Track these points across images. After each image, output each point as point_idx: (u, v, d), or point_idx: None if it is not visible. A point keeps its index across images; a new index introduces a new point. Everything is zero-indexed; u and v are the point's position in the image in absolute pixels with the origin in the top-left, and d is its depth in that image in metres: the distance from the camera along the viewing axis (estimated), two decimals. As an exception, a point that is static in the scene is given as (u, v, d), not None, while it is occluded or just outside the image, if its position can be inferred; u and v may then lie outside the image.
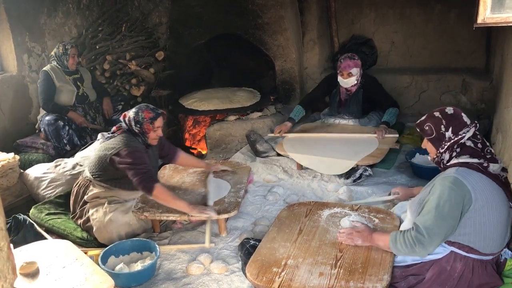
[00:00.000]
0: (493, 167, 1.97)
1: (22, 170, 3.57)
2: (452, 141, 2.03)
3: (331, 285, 1.97)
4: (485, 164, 1.97)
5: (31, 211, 3.08)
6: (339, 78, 3.98)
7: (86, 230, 2.88)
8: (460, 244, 1.97)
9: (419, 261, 2.05)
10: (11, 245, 1.17)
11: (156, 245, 2.54)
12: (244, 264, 2.31)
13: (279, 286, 1.99)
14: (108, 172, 2.84)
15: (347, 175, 3.40)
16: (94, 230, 2.81)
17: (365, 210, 2.57)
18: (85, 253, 2.42)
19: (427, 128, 2.10)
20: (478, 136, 2.04)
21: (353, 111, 4.07)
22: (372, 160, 3.43)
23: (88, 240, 2.83)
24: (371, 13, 5.11)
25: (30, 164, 3.77)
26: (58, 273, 2.08)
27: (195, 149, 4.92)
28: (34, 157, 3.96)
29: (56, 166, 3.58)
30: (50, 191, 3.38)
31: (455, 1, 4.69)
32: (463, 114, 2.07)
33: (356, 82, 3.97)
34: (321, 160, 3.52)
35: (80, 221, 2.92)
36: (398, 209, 2.53)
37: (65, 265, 2.14)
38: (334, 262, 2.12)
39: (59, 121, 4.02)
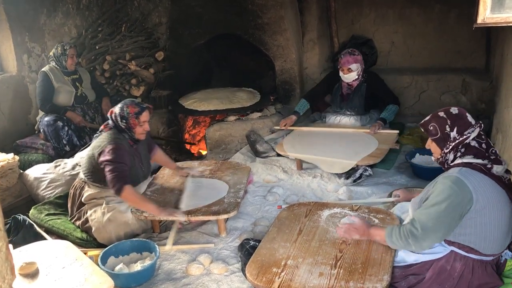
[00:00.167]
0: (497, 169, 1.96)
1: (21, 171, 3.57)
2: (457, 141, 2.02)
3: (331, 285, 1.96)
4: (489, 166, 1.96)
5: (30, 211, 3.08)
6: (340, 73, 4.06)
7: (85, 231, 2.88)
8: (460, 244, 1.97)
9: (419, 261, 2.05)
10: (10, 246, 1.17)
11: (156, 246, 2.54)
12: (244, 264, 2.31)
13: (279, 286, 1.98)
14: (99, 172, 2.81)
15: (347, 175, 3.40)
16: (93, 230, 2.80)
17: (365, 210, 2.57)
18: (85, 253, 2.42)
19: (431, 128, 2.09)
20: (483, 137, 2.03)
21: (355, 105, 4.08)
22: (372, 160, 3.42)
23: (87, 241, 2.83)
24: (371, 13, 5.11)
25: (29, 164, 3.77)
26: (57, 273, 2.08)
27: (194, 144, 4.92)
28: (33, 157, 3.96)
29: (55, 166, 3.58)
30: (49, 192, 3.38)
31: (455, 1, 4.69)
32: (467, 114, 2.06)
33: (357, 77, 4.02)
34: (321, 160, 3.52)
35: (78, 223, 2.92)
36: (398, 210, 2.53)
37: (65, 265, 2.14)
38: (334, 262, 2.12)
39: (58, 122, 4.02)
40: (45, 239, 2.76)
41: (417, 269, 2.05)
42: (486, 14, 2.26)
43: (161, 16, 5.52)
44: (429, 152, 3.34)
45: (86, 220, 2.86)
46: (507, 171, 2.03)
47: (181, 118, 4.91)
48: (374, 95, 4.08)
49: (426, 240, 1.95)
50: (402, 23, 5.02)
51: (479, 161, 1.97)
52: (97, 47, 5.01)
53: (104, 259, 2.46)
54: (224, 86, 5.11)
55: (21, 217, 2.87)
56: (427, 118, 2.13)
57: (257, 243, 2.38)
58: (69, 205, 3.04)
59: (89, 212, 2.85)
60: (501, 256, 2.05)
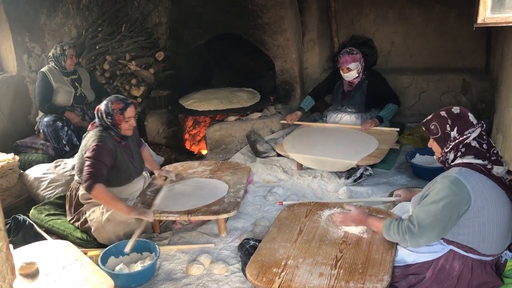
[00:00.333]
0: (497, 170, 1.96)
1: (22, 171, 3.57)
2: (457, 140, 2.02)
3: (331, 285, 1.96)
4: (489, 166, 1.96)
5: (31, 212, 3.08)
6: (341, 72, 4.12)
7: (85, 232, 2.88)
8: (458, 244, 1.97)
9: (419, 261, 2.05)
10: (11, 246, 1.17)
11: (156, 246, 2.54)
12: (244, 264, 2.31)
13: (279, 286, 1.98)
14: None
15: (348, 174, 3.40)
16: (92, 230, 2.80)
17: (365, 210, 2.56)
18: (85, 253, 2.42)
19: (432, 127, 2.10)
20: (484, 137, 2.03)
21: (356, 102, 4.11)
22: (372, 160, 3.42)
23: (87, 241, 2.83)
24: (371, 13, 5.11)
25: (30, 164, 3.77)
26: (57, 273, 2.08)
27: (193, 153, 4.92)
28: (33, 157, 3.96)
29: (56, 166, 3.58)
30: (50, 192, 3.38)
31: (455, 1, 4.69)
32: (469, 114, 2.06)
33: (357, 75, 4.07)
34: (322, 160, 3.52)
35: (77, 224, 2.92)
36: (398, 210, 2.52)
37: (65, 265, 2.14)
38: (334, 262, 2.12)
39: (58, 122, 4.02)
40: (45, 239, 2.76)
41: (417, 268, 2.05)
42: (486, 14, 2.26)
43: (161, 16, 5.52)
44: (429, 152, 3.36)
45: (85, 221, 2.86)
46: (508, 172, 2.03)
47: (181, 118, 4.91)
48: (375, 94, 4.10)
49: (423, 237, 1.95)
50: (402, 23, 5.03)
51: (480, 161, 1.97)
52: (97, 47, 5.01)
53: (104, 259, 2.46)
54: (224, 86, 5.12)
55: (21, 217, 2.87)
56: (429, 117, 2.14)
57: (257, 243, 2.38)
58: (67, 207, 3.04)
59: (87, 213, 2.85)
60: (501, 257, 2.05)
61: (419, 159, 3.54)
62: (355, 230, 2.34)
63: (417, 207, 2.02)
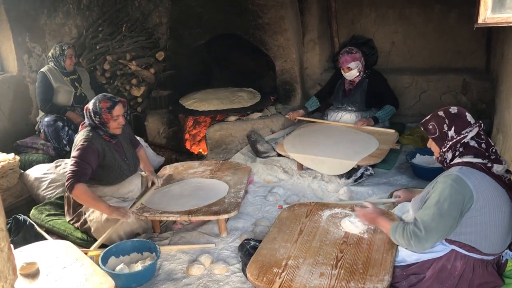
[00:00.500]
0: (497, 168, 1.97)
1: (22, 171, 3.57)
2: (454, 140, 2.03)
3: (332, 285, 1.96)
4: (489, 165, 1.96)
5: (31, 212, 3.08)
6: (342, 72, 4.16)
7: (85, 232, 2.88)
8: (461, 243, 1.97)
9: (420, 261, 2.05)
10: (12, 246, 1.17)
11: (157, 246, 2.54)
12: (245, 264, 2.31)
13: (279, 286, 1.98)
14: None
15: (348, 175, 3.40)
16: (92, 230, 2.80)
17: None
18: (86, 253, 2.41)
19: (430, 127, 2.11)
20: (483, 136, 2.04)
21: (357, 100, 4.13)
22: (372, 160, 3.43)
23: (88, 241, 2.82)
24: (371, 14, 5.11)
25: (30, 164, 3.77)
26: (58, 273, 2.07)
27: (193, 153, 4.92)
28: (34, 157, 3.96)
29: (56, 166, 3.58)
30: (50, 192, 3.39)
31: (455, 1, 4.69)
32: (467, 113, 2.07)
33: (358, 73, 4.11)
34: (322, 160, 3.52)
35: (77, 225, 2.92)
36: (398, 210, 2.52)
37: (66, 265, 2.13)
38: (334, 262, 2.12)
39: (58, 122, 4.02)
40: (45, 239, 2.76)
41: (418, 268, 2.05)
42: (487, 14, 2.26)
43: (161, 16, 5.52)
44: (429, 153, 3.36)
45: (85, 222, 2.86)
46: (507, 171, 2.03)
47: (182, 118, 4.91)
48: (375, 93, 4.11)
49: (429, 241, 1.95)
50: (402, 23, 5.02)
51: (479, 160, 1.98)
52: (97, 47, 5.02)
53: (104, 259, 2.46)
54: (224, 86, 5.12)
55: (21, 217, 2.87)
56: (427, 117, 2.16)
57: (258, 243, 2.38)
58: (65, 209, 3.03)
59: (87, 213, 2.85)
60: (502, 256, 2.06)
61: (420, 159, 3.54)
62: (355, 230, 2.35)
63: (420, 211, 2.01)
